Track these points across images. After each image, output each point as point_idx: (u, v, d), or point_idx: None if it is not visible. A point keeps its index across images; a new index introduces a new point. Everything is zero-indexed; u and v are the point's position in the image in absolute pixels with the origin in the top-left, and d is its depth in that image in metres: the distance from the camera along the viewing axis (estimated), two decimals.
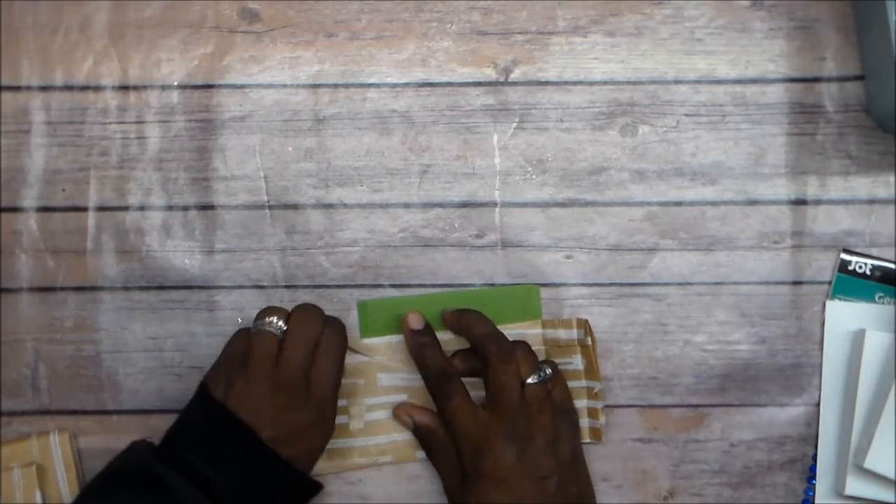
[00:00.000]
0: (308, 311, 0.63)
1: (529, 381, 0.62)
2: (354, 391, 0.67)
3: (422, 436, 0.66)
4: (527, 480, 0.60)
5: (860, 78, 0.67)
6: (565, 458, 0.62)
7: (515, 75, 0.68)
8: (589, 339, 0.66)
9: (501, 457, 0.60)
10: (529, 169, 0.68)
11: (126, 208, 0.68)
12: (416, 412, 0.66)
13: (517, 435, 0.61)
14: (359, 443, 0.67)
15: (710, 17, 0.68)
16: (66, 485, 0.66)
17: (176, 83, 0.68)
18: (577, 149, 0.68)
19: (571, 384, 0.66)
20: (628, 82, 0.68)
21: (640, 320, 0.67)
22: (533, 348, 0.64)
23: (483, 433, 0.61)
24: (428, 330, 0.66)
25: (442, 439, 0.64)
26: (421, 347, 0.65)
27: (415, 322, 0.66)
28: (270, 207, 0.68)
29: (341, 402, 0.66)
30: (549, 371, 0.63)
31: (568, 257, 0.67)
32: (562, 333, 0.66)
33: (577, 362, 0.66)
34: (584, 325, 0.66)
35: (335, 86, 0.68)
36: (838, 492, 0.65)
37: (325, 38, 0.68)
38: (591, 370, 0.66)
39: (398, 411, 0.66)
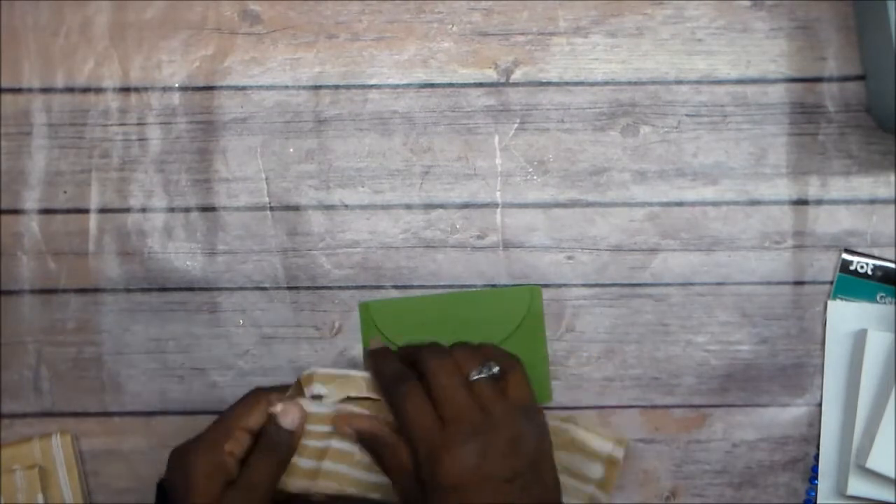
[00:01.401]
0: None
1: (473, 376, 0.59)
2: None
3: (368, 444, 0.61)
4: (487, 484, 0.57)
5: (861, 78, 0.67)
6: (528, 457, 0.58)
7: (516, 76, 0.68)
8: (622, 453, 0.64)
9: (459, 461, 0.57)
10: (531, 170, 0.68)
11: (127, 210, 0.68)
12: (354, 420, 0.61)
13: (474, 435, 0.57)
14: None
15: (710, 18, 0.68)
16: (68, 487, 0.66)
17: (177, 85, 0.68)
18: (578, 149, 0.68)
19: (574, 484, 0.64)
20: (629, 83, 0.68)
21: (641, 321, 0.67)
22: (555, 440, 0.61)
23: (439, 437, 0.57)
24: (385, 348, 0.63)
25: (388, 441, 0.60)
26: (376, 362, 0.62)
27: (372, 344, 0.64)
28: (272, 209, 0.68)
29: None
30: (495, 368, 0.60)
31: (569, 258, 0.67)
32: (595, 441, 0.65)
33: (594, 470, 0.64)
34: (624, 443, 0.64)
35: (336, 87, 0.68)
36: (840, 492, 0.65)
37: (326, 39, 0.68)
38: (606, 484, 0.64)
39: (338, 423, 0.61)
